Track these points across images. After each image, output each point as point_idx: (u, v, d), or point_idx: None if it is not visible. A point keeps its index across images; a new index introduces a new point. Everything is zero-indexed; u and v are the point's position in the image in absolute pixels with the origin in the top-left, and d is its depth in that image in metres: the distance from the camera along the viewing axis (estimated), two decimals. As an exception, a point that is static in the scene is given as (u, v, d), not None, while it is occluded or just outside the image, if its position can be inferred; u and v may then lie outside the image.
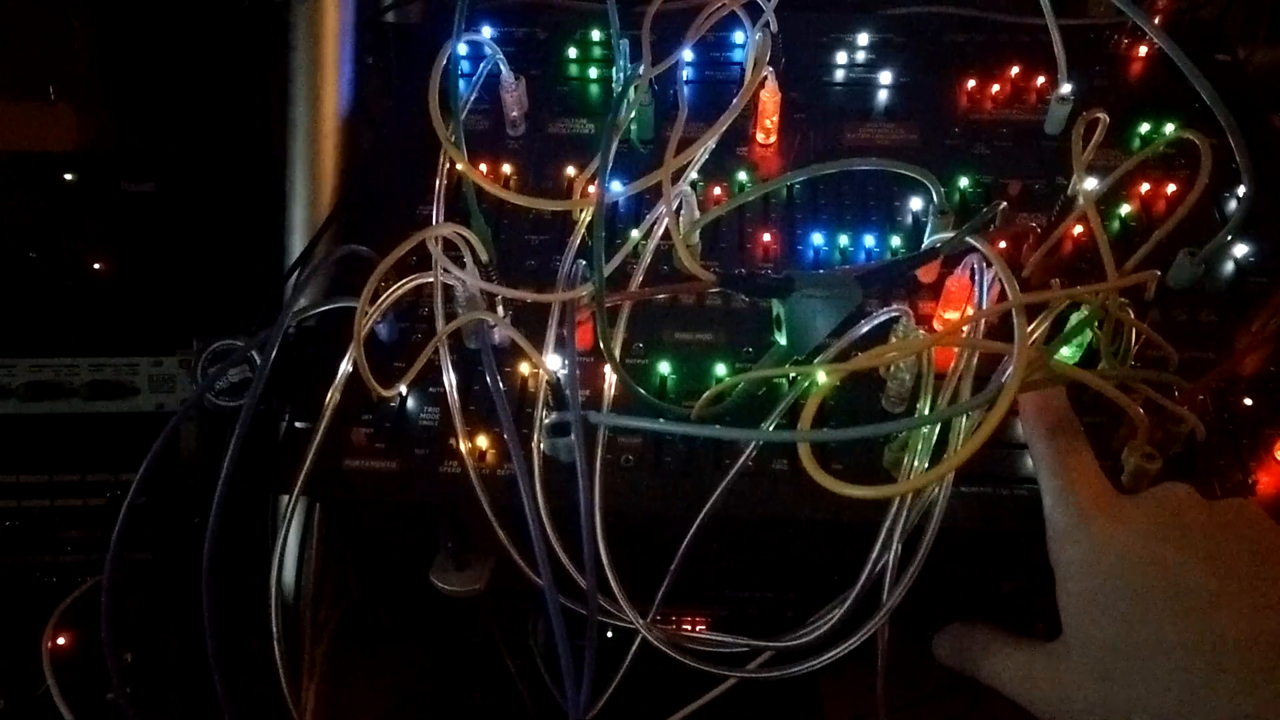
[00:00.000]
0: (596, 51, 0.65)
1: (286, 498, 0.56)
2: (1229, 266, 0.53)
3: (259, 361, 0.54)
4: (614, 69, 0.57)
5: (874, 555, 0.42)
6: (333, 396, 0.45)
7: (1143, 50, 0.62)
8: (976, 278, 0.46)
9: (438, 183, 0.49)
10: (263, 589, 0.58)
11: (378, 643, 0.64)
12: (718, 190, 0.57)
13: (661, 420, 0.45)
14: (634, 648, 0.48)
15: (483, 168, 0.59)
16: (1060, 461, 0.40)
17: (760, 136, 0.59)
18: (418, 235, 0.42)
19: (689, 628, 0.62)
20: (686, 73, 0.63)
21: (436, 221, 0.48)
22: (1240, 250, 0.53)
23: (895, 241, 0.55)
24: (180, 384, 0.65)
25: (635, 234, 0.52)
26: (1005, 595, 0.55)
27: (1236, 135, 0.45)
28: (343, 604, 0.60)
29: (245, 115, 0.73)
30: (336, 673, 0.61)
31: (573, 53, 0.65)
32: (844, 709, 0.61)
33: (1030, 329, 0.45)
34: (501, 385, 0.50)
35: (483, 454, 0.48)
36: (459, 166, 0.48)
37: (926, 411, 0.44)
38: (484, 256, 0.46)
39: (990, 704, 0.64)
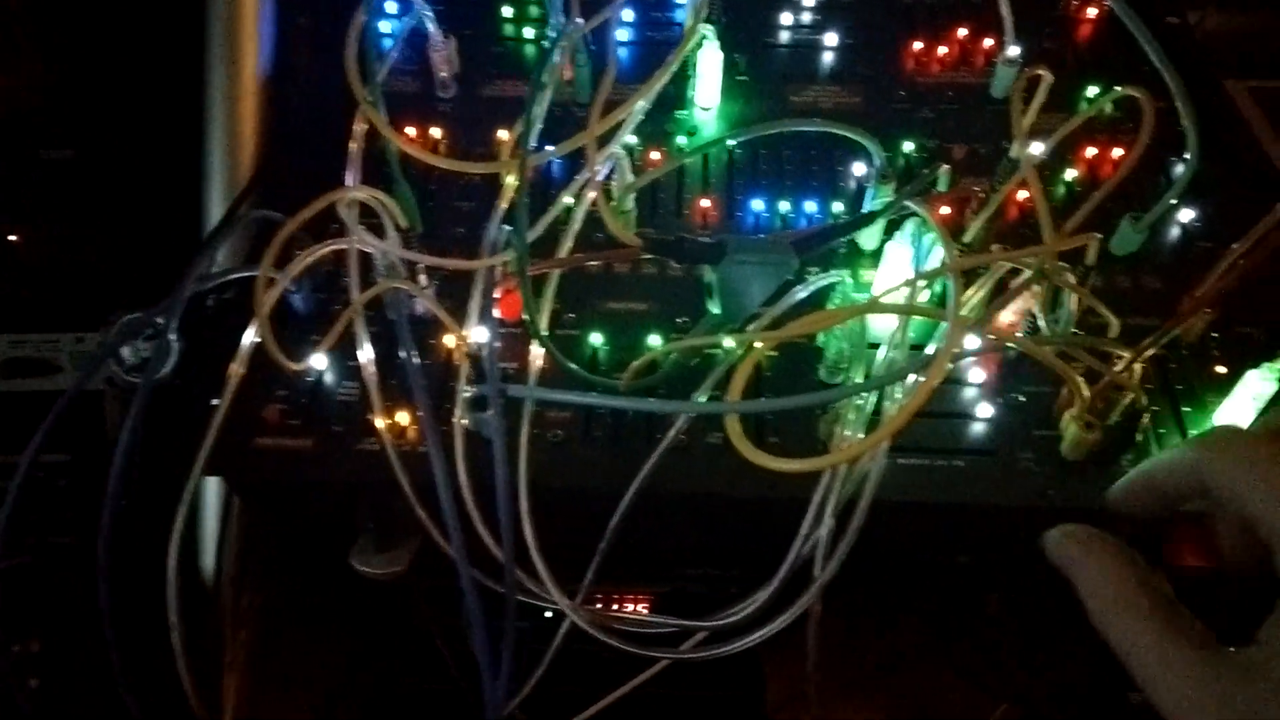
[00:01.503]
0: (533, 10, 0.62)
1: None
2: (1175, 232, 0.52)
3: (172, 335, 0.51)
4: (548, 26, 0.55)
5: (804, 530, 0.41)
6: (235, 370, 0.42)
7: (1092, 11, 0.61)
8: (914, 242, 0.44)
9: (352, 145, 0.46)
10: (188, 573, 0.56)
11: (309, 627, 0.61)
12: (656, 154, 0.55)
13: (589, 393, 0.43)
14: (562, 630, 0.46)
15: (410, 131, 0.56)
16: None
17: (701, 99, 0.57)
18: (326, 198, 0.40)
19: (631, 606, 0.60)
20: (627, 34, 0.61)
21: (351, 185, 0.45)
22: (1186, 215, 0.52)
23: (838, 207, 0.53)
24: (106, 361, 0.62)
25: (568, 199, 0.50)
26: (959, 568, 0.54)
27: (1183, 96, 0.43)
28: (268, 587, 0.58)
29: (172, 79, 0.70)
30: (264, 659, 0.59)
31: (508, 11, 0.62)
32: (786, 687, 0.60)
33: (971, 294, 0.44)
34: (419, 358, 0.47)
35: (403, 430, 0.45)
36: (379, 127, 0.45)
37: (859, 380, 0.42)
38: (402, 222, 0.44)
39: (934, 682, 0.64)
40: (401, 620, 0.62)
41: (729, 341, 0.44)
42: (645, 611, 0.59)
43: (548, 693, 0.49)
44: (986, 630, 0.61)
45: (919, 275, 0.42)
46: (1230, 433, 0.33)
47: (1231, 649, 0.28)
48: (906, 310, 0.41)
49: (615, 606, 0.59)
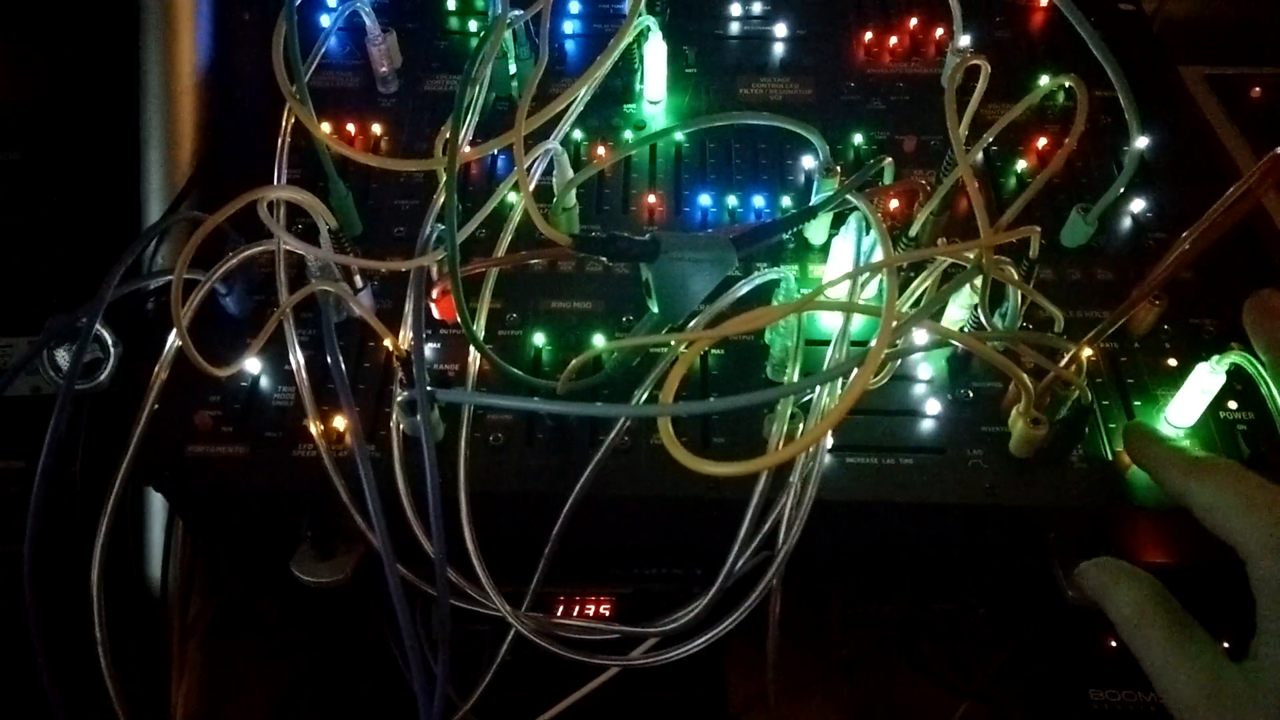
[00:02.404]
0: (478, 3, 0.61)
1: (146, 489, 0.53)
2: (1126, 223, 0.51)
3: (109, 340, 0.50)
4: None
5: (741, 535, 0.40)
6: (158, 375, 0.41)
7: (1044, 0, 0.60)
8: (857, 237, 0.43)
9: (280, 141, 0.45)
10: (137, 583, 0.54)
11: (260, 635, 0.60)
12: (602, 150, 0.54)
13: (520, 397, 0.42)
14: (509, 638, 0.45)
15: (350, 128, 0.55)
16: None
17: (648, 92, 0.56)
18: (245, 197, 0.39)
19: (593, 609, 0.59)
20: (573, 25, 0.60)
21: (277, 184, 0.44)
22: (1137, 206, 0.51)
23: (786, 202, 0.52)
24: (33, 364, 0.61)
25: (512, 196, 0.49)
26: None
27: (1123, 85, 0.42)
28: (218, 595, 0.57)
29: (120, 79, 0.69)
30: (215, 668, 0.57)
31: (451, 4, 0.61)
32: (748, 687, 0.59)
33: (914, 289, 0.43)
34: (364, 361, 0.46)
35: (340, 436, 0.44)
36: (305, 123, 0.44)
37: (796, 379, 0.41)
38: (331, 222, 0.43)
39: (898, 680, 0.63)
40: (355, 627, 0.61)
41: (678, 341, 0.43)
42: (608, 613, 0.58)
43: (509, 696, 0.47)
44: (949, 628, 0.60)
45: (857, 270, 0.41)
46: (1217, 469, 0.34)
47: (1235, 664, 0.31)
48: (843, 307, 0.40)
49: (575, 610, 0.58)
